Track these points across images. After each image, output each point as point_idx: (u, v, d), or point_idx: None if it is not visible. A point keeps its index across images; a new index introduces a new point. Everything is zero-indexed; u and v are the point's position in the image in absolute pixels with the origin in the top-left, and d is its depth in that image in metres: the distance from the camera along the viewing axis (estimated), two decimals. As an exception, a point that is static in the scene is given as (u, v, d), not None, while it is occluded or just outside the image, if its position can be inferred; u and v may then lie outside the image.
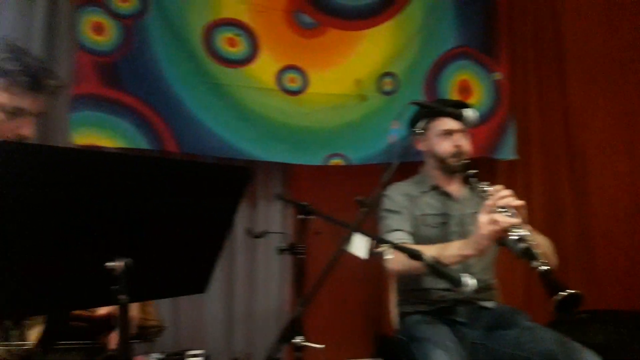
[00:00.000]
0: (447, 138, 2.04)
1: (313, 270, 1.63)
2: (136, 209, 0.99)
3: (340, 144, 3.04)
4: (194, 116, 2.81)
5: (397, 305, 2.17)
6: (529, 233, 1.66)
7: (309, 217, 1.81)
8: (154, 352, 2.73)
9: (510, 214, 1.69)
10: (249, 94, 2.91)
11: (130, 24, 2.74)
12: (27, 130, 1.37)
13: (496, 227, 1.66)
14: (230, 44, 2.90)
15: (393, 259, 1.86)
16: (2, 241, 0.85)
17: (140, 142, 2.72)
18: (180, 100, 2.80)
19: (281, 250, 1.89)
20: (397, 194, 2.09)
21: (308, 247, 1.84)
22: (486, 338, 1.92)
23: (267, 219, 3.08)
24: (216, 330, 3.02)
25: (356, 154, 3.04)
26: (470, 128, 2.00)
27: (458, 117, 1.67)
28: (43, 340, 1.18)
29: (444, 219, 2.06)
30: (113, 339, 1.35)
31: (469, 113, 1.65)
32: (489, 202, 1.72)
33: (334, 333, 2.92)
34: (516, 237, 1.65)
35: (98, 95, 2.67)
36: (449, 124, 2.02)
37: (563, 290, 1.47)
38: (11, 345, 1.15)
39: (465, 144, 2.05)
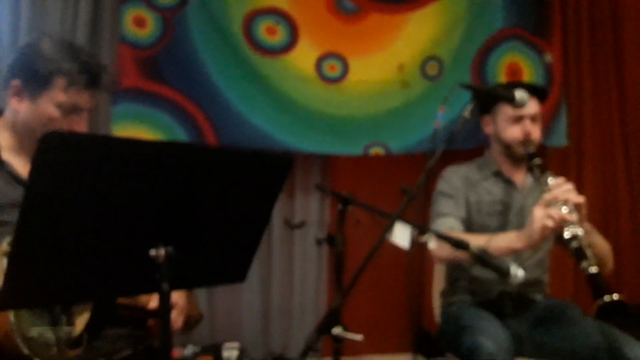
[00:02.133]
0: (517, 123, 1.96)
1: (352, 261, 1.64)
2: (179, 197, 1.02)
3: (381, 132, 3.02)
4: (233, 107, 2.86)
5: (441, 295, 2.15)
6: (582, 232, 1.62)
7: (348, 207, 1.81)
8: (189, 344, 2.80)
9: (568, 209, 1.65)
10: (288, 84, 2.93)
11: (170, 16, 2.80)
12: (81, 126, 1.42)
13: (550, 223, 1.62)
14: (269, 32, 2.92)
15: (439, 246, 1.86)
16: (52, 229, 0.89)
17: (180, 134, 2.79)
18: (220, 91, 2.85)
19: (320, 241, 1.89)
20: (454, 177, 2.04)
21: (347, 238, 1.84)
22: (533, 331, 1.88)
23: (305, 210, 3.10)
24: (252, 322, 3.07)
25: (397, 143, 3.02)
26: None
27: (510, 100, 1.62)
28: (90, 327, 1.23)
29: (503, 207, 2.00)
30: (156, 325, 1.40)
31: (517, 95, 1.60)
32: (547, 195, 1.68)
33: (372, 326, 2.91)
34: (569, 236, 1.61)
35: (138, 88, 2.75)
36: (519, 109, 1.94)
37: (608, 294, 1.44)
38: (60, 330, 1.20)
39: (535, 130, 1.97)
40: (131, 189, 0.96)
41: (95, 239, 0.95)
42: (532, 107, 1.96)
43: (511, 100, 1.63)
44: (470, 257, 1.35)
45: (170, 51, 2.78)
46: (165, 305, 1.04)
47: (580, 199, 1.69)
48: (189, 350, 2.76)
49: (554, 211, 1.63)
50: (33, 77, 1.37)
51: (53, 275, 0.92)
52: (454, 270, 2.08)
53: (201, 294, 2.89)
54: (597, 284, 1.51)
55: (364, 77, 3.00)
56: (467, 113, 1.51)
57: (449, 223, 1.93)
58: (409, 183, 1.78)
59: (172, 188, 1.02)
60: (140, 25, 2.76)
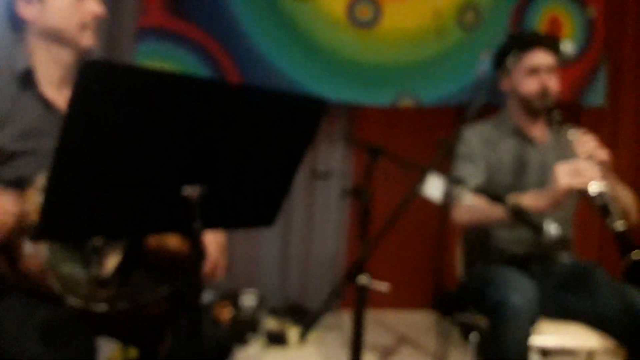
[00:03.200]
0: (533, 76, 1.90)
1: (376, 214, 1.63)
2: (213, 136, 1.01)
3: (412, 82, 2.96)
4: (260, 50, 2.81)
5: (465, 254, 2.14)
6: (608, 189, 1.58)
7: (377, 159, 1.79)
8: (207, 289, 2.84)
9: (592, 165, 1.61)
10: (317, 27, 2.86)
11: (199, -48, 2.72)
12: (99, 7, 1.41)
13: (575, 180, 1.59)
14: (300, -27, 2.84)
15: (461, 210, 1.86)
16: (89, 161, 0.89)
17: (204, 74, 2.76)
18: (246, 33, 2.79)
19: (346, 193, 1.88)
20: (473, 138, 1.99)
21: (373, 191, 1.83)
22: (558, 292, 1.88)
23: (328, 160, 3.09)
24: (271, 270, 3.11)
25: (428, 95, 2.96)
26: (564, 64, 1.87)
27: (554, 48, 1.56)
28: (120, 268, 1.24)
29: (522, 166, 1.98)
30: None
31: (567, 46, 1.54)
32: (570, 150, 1.64)
33: (393, 280, 2.95)
34: (594, 192, 1.58)
35: (163, 26, 2.70)
36: (538, 58, 1.89)
37: (636, 251, 1.41)
38: (91, 269, 1.22)
39: (553, 83, 1.91)
40: (167, 124, 0.95)
41: (131, 174, 0.95)
42: (548, 58, 1.89)
43: (555, 49, 1.56)
44: (507, 211, 1.33)
45: (197, -11, 2.73)
46: (197, 245, 1.04)
47: (604, 153, 1.65)
48: (207, 296, 2.82)
49: (578, 166, 1.60)
50: None
51: (88, 208, 0.93)
52: (475, 231, 2.07)
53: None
54: (625, 242, 1.49)
55: (396, 23, 2.91)
56: (509, 63, 1.46)
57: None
58: (437, 136, 1.75)
59: (207, 126, 1.01)
60: (167, -39, 2.70)
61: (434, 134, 2.82)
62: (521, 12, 3.00)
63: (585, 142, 1.65)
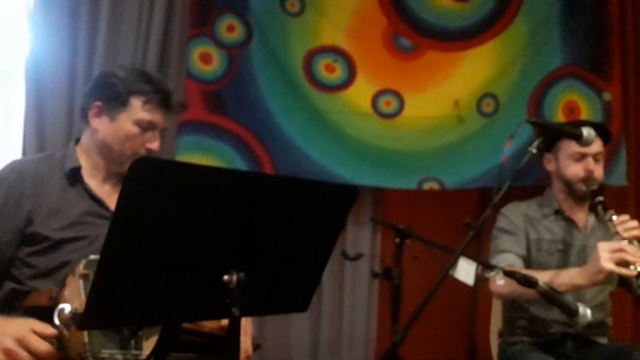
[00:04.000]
0: (578, 161, 1.92)
1: (406, 296, 1.60)
2: (251, 224, 1.03)
3: (436, 167, 2.99)
4: (291, 140, 2.90)
5: (500, 335, 2.07)
6: None
7: (406, 240, 1.78)
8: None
9: (636, 248, 1.58)
10: (344, 119, 2.95)
11: (235, 53, 2.88)
12: (156, 144, 1.51)
13: (616, 258, 1.54)
14: (328, 70, 2.97)
15: (497, 285, 1.81)
16: (135, 251, 0.91)
17: (240, 165, 2.83)
18: (279, 125, 2.90)
19: (376, 275, 1.86)
20: (515, 214, 2.00)
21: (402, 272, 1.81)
22: None
23: (356, 243, 3.07)
24: (302, 354, 3.02)
25: (452, 179, 2.98)
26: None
27: (577, 137, 1.58)
28: (156, 351, 1.23)
29: (564, 247, 1.93)
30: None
31: (585, 132, 1.56)
32: (612, 231, 1.61)
33: (425, 360, 2.83)
34: (636, 273, 1.53)
35: (203, 120, 2.83)
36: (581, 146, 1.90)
37: None
38: (127, 353, 1.22)
39: (597, 169, 1.92)
40: (208, 215, 0.98)
41: (174, 263, 0.97)
42: (596, 146, 1.90)
43: (578, 138, 1.58)
44: (538, 294, 1.30)
45: (233, 86, 2.86)
46: (236, 331, 1.04)
47: None
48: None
49: (621, 250, 1.56)
50: (112, 97, 1.47)
51: (133, 297, 0.94)
52: (513, 309, 2.01)
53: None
54: None
55: (419, 112, 2.99)
56: (533, 148, 1.47)
57: (509, 259, 1.87)
58: (461, 217, 1.74)
59: (244, 216, 1.03)
60: (206, 61, 2.86)
61: (457, 216, 2.82)
62: (539, 99, 3.05)
63: (626, 224, 1.62)
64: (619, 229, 1.61)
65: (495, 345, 2.07)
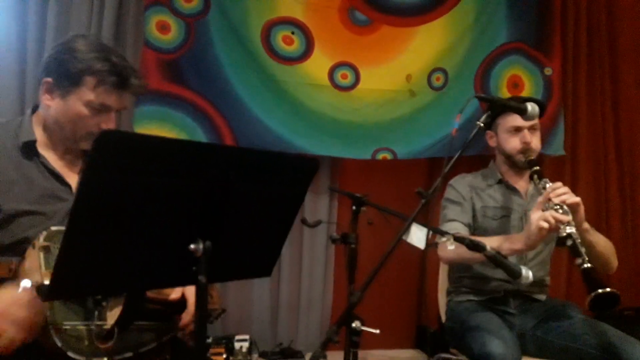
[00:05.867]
0: (515, 134, 1.99)
1: (361, 259, 1.64)
2: (216, 194, 1.02)
3: (389, 138, 3.03)
4: (250, 110, 2.87)
5: (447, 294, 2.15)
6: (575, 230, 1.63)
7: (362, 207, 1.81)
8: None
9: (562, 211, 1.66)
10: (302, 90, 2.93)
11: (192, 22, 2.80)
12: (110, 125, 1.40)
13: (545, 224, 1.63)
14: (286, 41, 2.93)
15: (446, 248, 1.88)
16: (101, 223, 0.89)
17: (199, 134, 2.79)
18: (238, 95, 2.85)
19: (334, 240, 1.89)
20: (461, 185, 2.07)
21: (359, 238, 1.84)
22: (536, 329, 1.88)
23: (314, 210, 3.10)
24: (262, 316, 3.07)
25: (404, 149, 3.03)
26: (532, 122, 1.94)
27: (522, 112, 1.63)
28: (120, 320, 1.22)
29: (506, 212, 2.02)
30: (184, 319, 1.39)
31: (529, 107, 1.61)
32: (540, 197, 1.69)
33: (377, 321, 2.93)
34: (564, 234, 1.62)
35: (161, 90, 2.75)
36: (518, 120, 1.97)
37: (602, 288, 1.46)
38: (92, 324, 1.20)
39: (534, 140, 1.98)
40: (175, 186, 0.96)
41: (141, 233, 0.95)
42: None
43: (523, 113, 1.63)
44: (485, 257, 1.35)
45: (191, 55, 2.79)
46: (202, 297, 1.04)
47: (575, 199, 1.70)
48: (202, 341, 2.75)
49: (548, 213, 1.64)
50: (64, 75, 1.35)
51: (99, 268, 0.92)
52: (459, 269, 2.09)
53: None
54: (592, 279, 1.52)
55: (373, 85, 3.01)
56: (481, 122, 1.51)
57: (456, 228, 1.94)
58: (413, 186, 1.78)
59: (210, 186, 1.02)
60: (163, 30, 2.77)
61: (408, 184, 2.88)
62: (485, 73, 3.13)
63: (557, 191, 1.70)
64: (551, 195, 1.69)
65: (444, 304, 2.15)
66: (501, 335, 1.68)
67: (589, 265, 1.55)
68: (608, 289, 1.47)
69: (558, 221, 1.63)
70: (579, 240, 1.61)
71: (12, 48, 2.64)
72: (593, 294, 1.47)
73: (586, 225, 1.76)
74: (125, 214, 0.91)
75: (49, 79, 1.36)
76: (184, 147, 0.95)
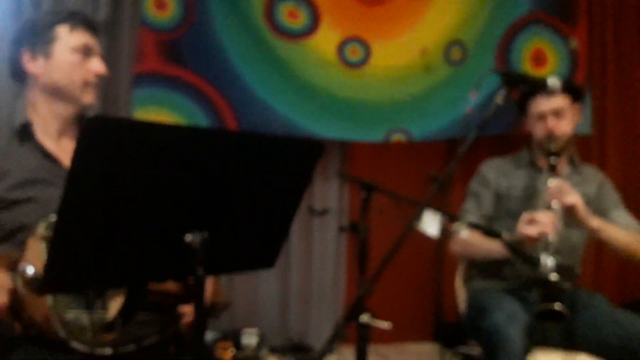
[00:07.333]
0: (540, 121, 1.99)
1: (374, 249, 1.64)
2: (214, 183, 1.02)
3: (403, 118, 3.01)
4: (254, 92, 2.86)
5: (465, 283, 2.15)
6: (554, 242, 1.67)
7: (372, 194, 1.81)
8: (208, 330, 2.82)
9: (552, 215, 1.71)
10: (309, 68, 2.91)
11: (191, -1, 2.79)
12: (102, 67, 1.47)
13: (528, 232, 1.67)
14: (291, 16, 2.91)
15: (456, 243, 1.96)
16: (94, 213, 0.90)
17: (200, 118, 2.79)
18: (240, 76, 2.84)
19: (343, 229, 1.90)
20: (488, 170, 2.10)
21: (369, 226, 1.84)
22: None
23: (324, 197, 3.10)
24: (271, 309, 3.08)
25: (419, 129, 3.00)
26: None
27: (542, 87, 1.60)
28: (123, 312, 1.24)
29: (531, 192, 2.02)
30: (186, 312, 1.42)
31: (553, 81, 1.58)
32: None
33: (394, 314, 2.94)
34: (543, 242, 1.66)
35: (159, 72, 2.75)
36: (541, 105, 1.96)
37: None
38: (94, 314, 1.22)
39: (560, 125, 1.96)
40: (169, 174, 0.97)
41: (135, 224, 0.96)
42: (556, 101, 1.96)
43: (543, 87, 1.61)
44: (503, 244, 1.35)
45: (191, 34, 2.78)
46: (200, 290, 1.05)
47: (570, 201, 1.74)
48: (209, 336, 2.79)
49: (535, 217, 1.69)
50: (38, 35, 1.43)
51: (93, 259, 0.93)
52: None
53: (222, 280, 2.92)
54: (551, 291, 1.59)
55: (386, 61, 2.98)
56: (499, 99, 1.49)
57: (469, 219, 1.97)
58: (429, 170, 1.78)
59: (207, 174, 1.02)
60: (161, 7, 2.76)
61: (425, 168, 2.86)
62: (506, 47, 3.08)
63: (552, 191, 1.74)
64: (547, 194, 1.74)
65: (463, 295, 2.15)
66: (515, 317, 1.69)
67: (555, 278, 1.59)
68: (556, 308, 1.54)
69: (542, 227, 1.67)
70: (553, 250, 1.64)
71: (7, 32, 2.65)
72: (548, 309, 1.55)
73: (594, 223, 1.80)
74: (117, 203, 0.92)
75: (25, 49, 1.43)
76: (178, 132, 0.96)
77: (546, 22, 3.10)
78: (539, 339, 1.83)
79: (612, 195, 2.07)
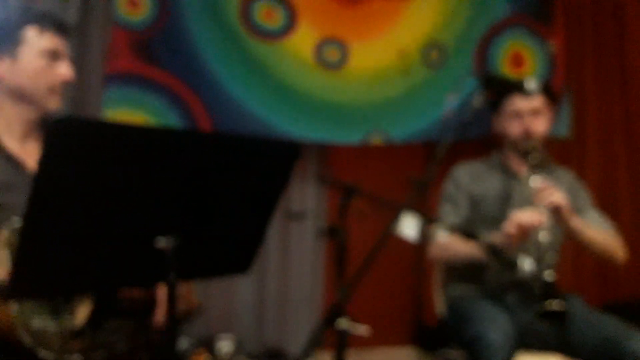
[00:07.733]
0: (516, 119, 1.99)
1: (353, 253, 1.64)
2: (186, 186, 1.02)
3: (381, 120, 3.01)
4: (229, 93, 2.84)
5: (443, 287, 2.16)
6: (545, 240, 1.70)
7: (352, 198, 1.80)
8: (182, 336, 2.79)
9: (538, 214, 1.71)
10: (286, 69, 2.91)
11: (164, -3, 2.76)
12: (69, 72, 1.44)
13: (513, 230, 1.67)
14: (267, 16, 2.90)
15: (434, 248, 1.96)
16: (61, 217, 0.88)
17: (174, 119, 2.76)
18: (215, 76, 2.82)
19: (321, 233, 1.89)
20: (461, 172, 2.10)
21: (348, 230, 1.84)
22: (538, 323, 1.91)
23: (301, 200, 3.09)
24: (247, 314, 3.06)
25: (398, 132, 3.02)
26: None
27: (519, 88, 1.63)
28: (91, 318, 1.22)
29: (505, 199, 2.04)
30: (157, 317, 1.40)
31: (531, 83, 1.61)
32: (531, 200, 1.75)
33: (373, 318, 2.94)
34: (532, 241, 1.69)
35: (131, 72, 2.71)
36: (518, 103, 1.98)
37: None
38: (61, 321, 1.20)
39: (536, 124, 1.98)
40: (140, 177, 0.96)
41: (103, 228, 0.95)
42: (532, 101, 1.98)
43: (520, 88, 1.63)
44: (480, 246, 1.36)
45: (165, 34, 2.75)
46: (172, 296, 1.04)
47: (557, 201, 1.75)
48: (182, 342, 2.76)
49: (522, 217, 1.70)
50: (5, 35, 1.39)
51: (61, 264, 0.92)
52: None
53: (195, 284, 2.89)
54: (549, 290, 1.62)
55: (364, 63, 2.99)
56: (476, 102, 1.51)
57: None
58: (408, 173, 1.79)
59: (179, 176, 1.02)
60: (133, 6, 2.72)
61: (405, 171, 2.88)
62: (485, 49, 3.11)
63: (539, 191, 1.76)
64: (532, 193, 1.76)
65: (441, 299, 2.16)
66: (496, 321, 1.71)
67: (551, 277, 1.62)
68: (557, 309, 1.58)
69: (529, 227, 1.68)
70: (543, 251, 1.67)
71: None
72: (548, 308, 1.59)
73: (575, 223, 1.82)
74: (86, 207, 0.90)
75: None
76: (149, 134, 0.94)
77: (525, 24, 3.14)
78: (526, 342, 1.86)
79: (584, 195, 2.10)
